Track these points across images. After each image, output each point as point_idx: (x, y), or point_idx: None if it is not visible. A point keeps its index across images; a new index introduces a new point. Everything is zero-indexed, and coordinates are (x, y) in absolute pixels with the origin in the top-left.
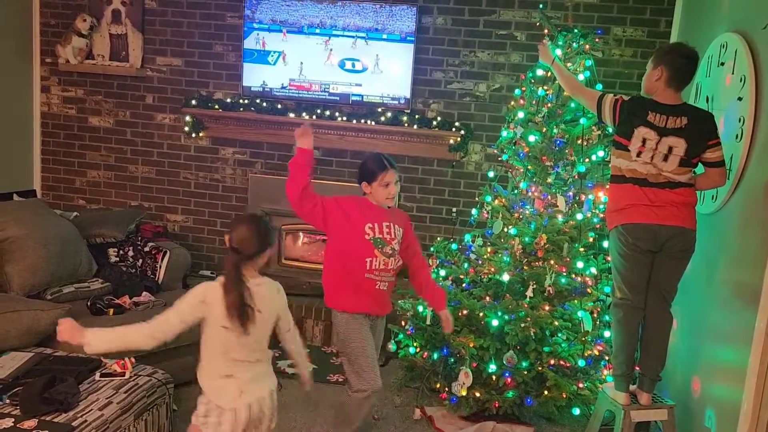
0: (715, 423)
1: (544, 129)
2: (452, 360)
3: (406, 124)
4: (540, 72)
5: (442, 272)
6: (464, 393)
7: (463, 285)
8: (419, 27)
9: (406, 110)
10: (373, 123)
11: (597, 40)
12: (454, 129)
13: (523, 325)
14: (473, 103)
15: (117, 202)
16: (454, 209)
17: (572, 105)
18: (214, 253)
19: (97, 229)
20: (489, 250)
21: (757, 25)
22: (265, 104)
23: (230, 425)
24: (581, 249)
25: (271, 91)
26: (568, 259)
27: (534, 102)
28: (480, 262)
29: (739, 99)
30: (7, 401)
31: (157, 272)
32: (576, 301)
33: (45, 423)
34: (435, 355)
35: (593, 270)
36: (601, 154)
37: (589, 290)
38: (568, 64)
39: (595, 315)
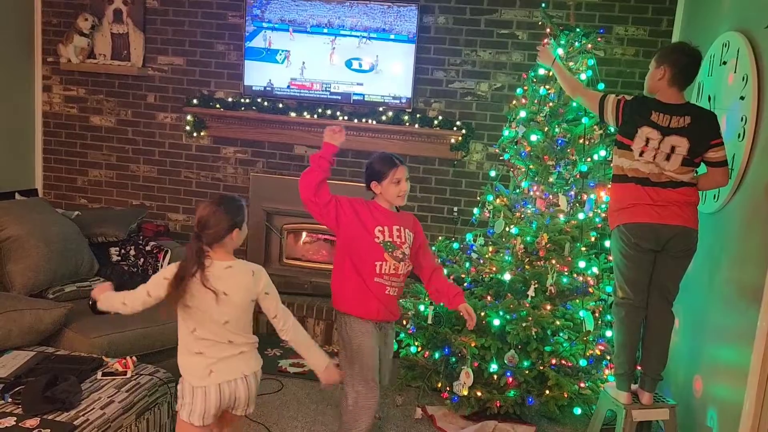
0: (717, 423)
1: (546, 128)
2: (453, 359)
3: (407, 124)
4: (542, 71)
5: (444, 271)
6: (465, 392)
7: (465, 284)
8: (421, 26)
9: (408, 109)
10: (374, 122)
11: (599, 39)
12: (455, 128)
13: (524, 324)
14: (475, 102)
15: (118, 201)
16: (456, 208)
17: (574, 104)
18: None
19: (98, 228)
20: (490, 249)
21: (759, 23)
22: (266, 103)
23: (201, 404)
24: (583, 248)
25: (273, 91)
26: (570, 259)
27: (536, 101)
28: (481, 261)
29: (742, 98)
30: (9, 400)
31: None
32: (577, 300)
33: (47, 422)
34: (436, 355)
35: (595, 269)
36: (602, 153)
37: (590, 290)
38: (570, 63)
39: (597, 314)
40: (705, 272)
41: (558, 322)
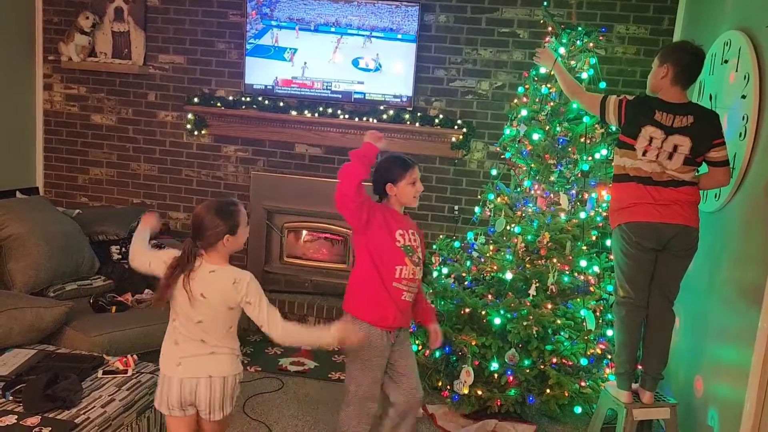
0: (717, 422)
1: (547, 127)
2: (454, 358)
3: (408, 122)
4: (543, 70)
5: (445, 270)
6: (466, 391)
7: (466, 283)
8: (421, 25)
9: (409, 108)
10: (375, 121)
11: (600, 37)
12: (456, 127)
13: (525, 323)
14: (476, 101)
15: (119, 200)
16: (456, 207)
17: (574, 104)
18: None
19: (99, 226)
20: (491, 248)
21: (760, 22)
22: (267, 102)
23: (166, 393)
24: (584, 247)
25: (273, 89)
26: (571, 258)
27: (537, 100)
28: (482, 260)
29: (743, 97)
30: (10, 398)
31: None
32: (578, 299)
33: (48, 420)
34: (437, 353)
35: (596, 268)
36: (604, 152)
37: (591, 289)
38: (572, 62)
39: (598, 313)
40: (706, 271)
41: (559, 321)
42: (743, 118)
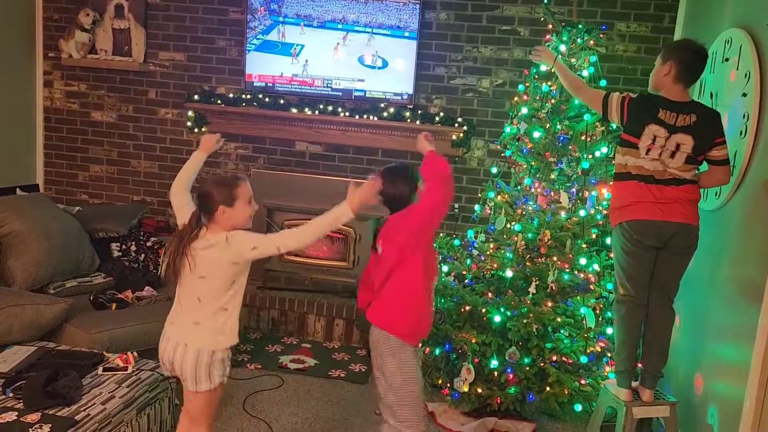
0: (717, 420)
1: (548, 125)
2: (454, 356)
3: (408, 120)
4: (544, 68)
5: (445, 268)
6: (466, 389)
7: (466, 281)
8: (422, 22)
9: (409, 106)
10: (375, 118)
11: (601, 35)
12: (456, 125)
13: (525, 321)
14: (476, 98)
15: (119, 197)
16: (457, 205)
17: (576, 101)
18: None
19: (99, 223)
20: (492, 246)
21: (761, 20)
22: (267, 99)
23: (162, 348)
24: (584, 245)
25: (274, 86)
26: (571, 256)
27: (538, 97)
28: (482, 258)
29: (744, 95)
30: (11, 395)
31: (160, 267)
32: (579, 297)
33: (48, 417)
34: (437, 351)
35: (596, 266)
36: (604, 150)
37: (591, 287)
38: (572, 60)
39: (598, 311)
40: (706, 270)
41: (559, 319)
42: (744, 116)
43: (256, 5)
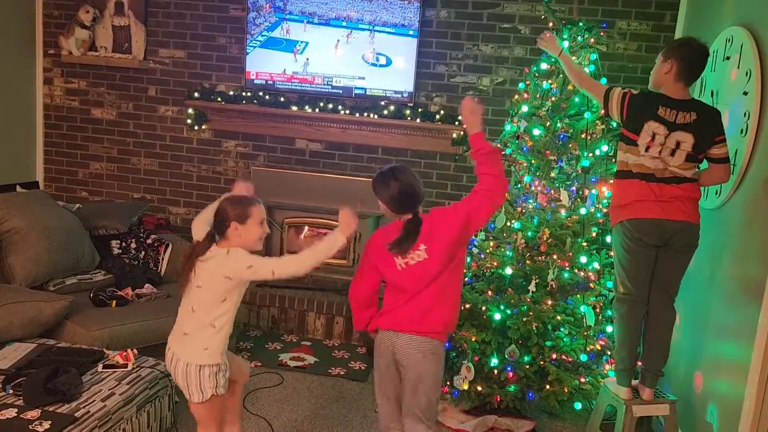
0: (717, 419)
1: (548, 123)
2: (454, 354)
3: (408, 118)
4: (544, 65)
5: None
6: (466, 387)
7: (466, 279)
8: (423, 20)
9: (409, 104)
10: (375, 116)
11: (601, 33)
12: (457, 123)
13: (525, 319)
14: (476, 96)
15: (119, 194)
16: None
17: (576, 99)
18: None
19: (99, 221)
20: (492, 244)
21: (763, 19)
22: (267, 97)
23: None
24: (584, 244)
25: (274, 84)
26: (571, 254)
27: (538, 96)
28: (483, 256)
29: (745, 93)
30: (11, 392)
31: (160, 264)
32: (579, 295)
33: (48, 413)
34: None
35: (596, 265)
36: (605, 148)
37: (591, 285)
38: (573, 58)
39: (598, 310)
40: (706, 268)
41: (559, 317)
42: (744, 114)
43: (261, 2)
